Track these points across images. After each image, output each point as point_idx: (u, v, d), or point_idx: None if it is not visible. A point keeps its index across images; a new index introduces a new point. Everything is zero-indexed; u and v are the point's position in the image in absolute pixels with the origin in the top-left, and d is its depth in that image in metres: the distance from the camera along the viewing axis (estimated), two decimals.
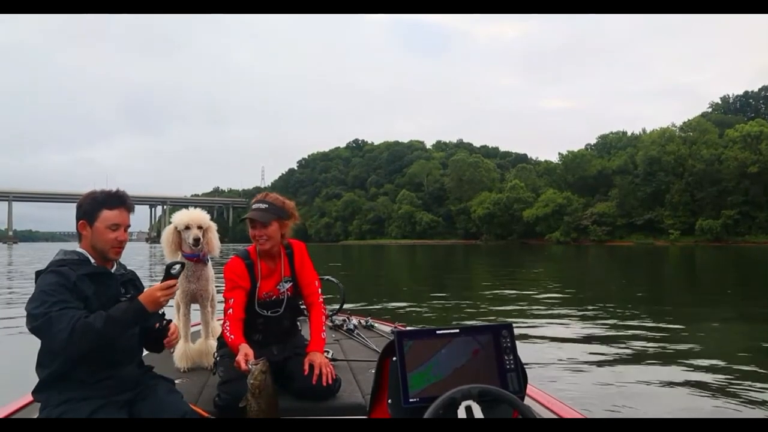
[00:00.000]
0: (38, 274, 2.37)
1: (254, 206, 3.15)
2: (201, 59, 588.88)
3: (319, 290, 3.39)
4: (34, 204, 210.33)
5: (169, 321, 2.61)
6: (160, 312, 2.52)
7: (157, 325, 2.57)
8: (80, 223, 2.46)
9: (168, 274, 2.44)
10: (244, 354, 2.73)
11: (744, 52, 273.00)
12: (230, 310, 3.02)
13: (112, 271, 2.53)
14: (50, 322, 2.17)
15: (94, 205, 2.46)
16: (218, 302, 3.82)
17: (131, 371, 2.47)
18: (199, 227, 3.69)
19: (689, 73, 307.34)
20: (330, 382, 2.99)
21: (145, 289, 2.51)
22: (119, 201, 2.50)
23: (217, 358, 3.16)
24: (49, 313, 2.18)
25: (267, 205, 3.13)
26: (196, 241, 3.66)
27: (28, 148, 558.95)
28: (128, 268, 2.69)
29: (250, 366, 2.57)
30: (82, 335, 2.18)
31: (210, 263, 3.86)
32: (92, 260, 2.45)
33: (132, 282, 2.62)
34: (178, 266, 2.47)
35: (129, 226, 2.56)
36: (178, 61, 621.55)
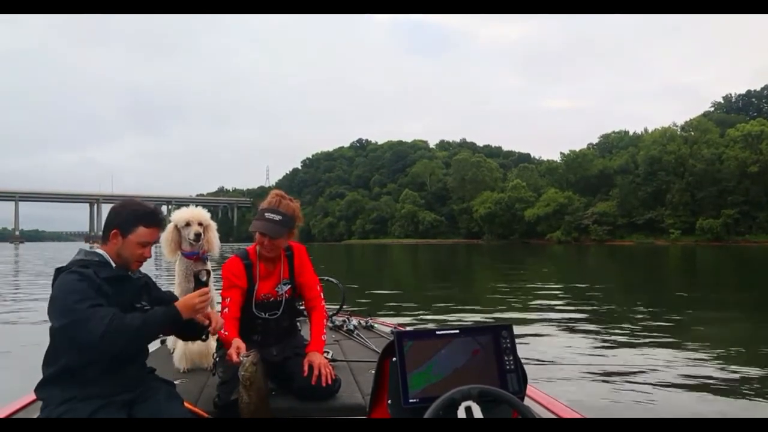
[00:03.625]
0: (58, 271, 2.36)
1: (267, 215, 3.00)
2: (205, 60, 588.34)
3: (321, 293, 3.36)
4: (40, 204, 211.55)
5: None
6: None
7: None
8: (113, 231, 2.45)
9: (199, 282, 2.60)
10: (236, 347, 2.73)
11: (745, 52, 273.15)
12: (226, 309, 3.01)
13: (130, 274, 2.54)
14: (83, 319, 2.17)
15: (132, 220, 2.46)
16: (218, 302, 3.81)
17: (133, 372, 2.47)
18: (200, 224, 3.69)
19: (691, 73, 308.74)
20: (329, 382, 2.98)
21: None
22: (156, 221, 2.52)
23: (217, 359, 3.15)
24: (81, 310, 2.18)
25: (280, 217, 3.00)
26: (197, 236, 3.64)
27: (34, 149, 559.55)
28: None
29: (241, 358, 2.59)
30: (118, 332, 2.19)
31: (209, 263, 3.84)
32: (113, 264, 2.45)
33: (147, 286, 2.62)
34: (204, 273, 2.63)
35: (157, 242, 2.59)
36: (182, 62, 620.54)
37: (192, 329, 2.59)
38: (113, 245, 2.46)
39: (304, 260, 3.29)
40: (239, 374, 2.55)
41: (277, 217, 2.99)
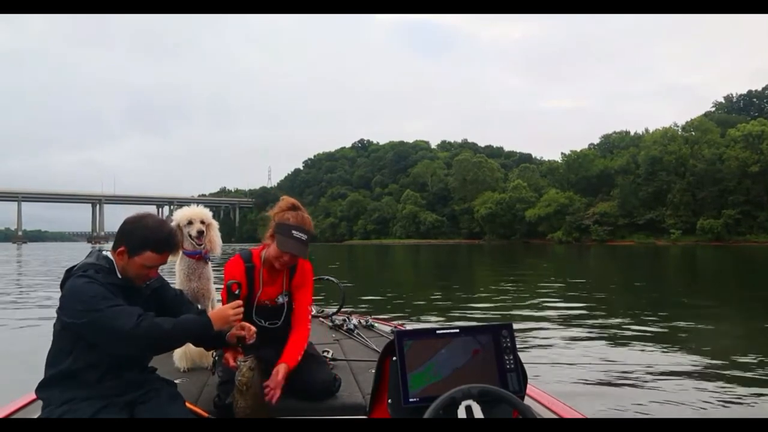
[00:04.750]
0: (68, 272, 2.35)
1: (295, 234, 2.91)
2: (206, 60, 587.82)
3: (310, 317, 3.21)
4: (43, 204, 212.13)
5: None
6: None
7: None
8: (120, 248, 2.39)
9: (232, 295, 2.57)
10: (233, 351, 2.69)
11: (746, 52, 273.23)
12: None
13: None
14: (109, 315, 2.17)
15: (141, 243, 2.38)
16: (218, 300, 3.79)
17: (136, 374, 2.46)
18: (202, 222, 3.69)
19: (692, 74, 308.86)
20: (273, 401, 2.76)
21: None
22: (167, 248, 2.47)
23: (216, 358, 3.14)
24: (106, 307, 2.18)
25: (306, 236, 2.93)
26: (200, 233, 3.64)
27: (36, 149, 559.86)
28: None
29: (238, 363, 2.57)
30: (148, 332, 2.19)
31: (210, 264, 3.84)
32: (119, 274, 2.41)
33: (156, 292, 2.59)
34: (237, 288, 2.62)
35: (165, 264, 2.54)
36: (184, 63, 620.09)
37: (214, 340, 2.56)
38: (119, 260, 2.41)
39: (306, 277, 3.19)
40: (236, 379, 2.53)
41: (304, 237, 2.93)
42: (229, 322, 2.45)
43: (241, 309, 2.50)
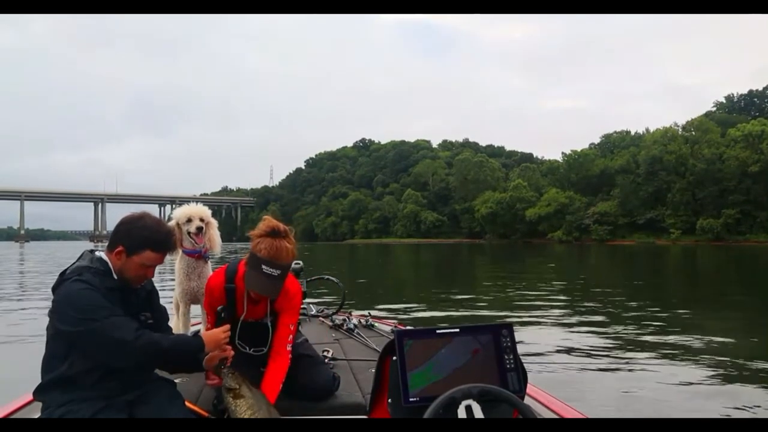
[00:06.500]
0: (62, 276, 2.33)
1: (265, 270, 2.58)
2: (210, 60, 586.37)
3: (291, 336, 2.89)
4: (46, 203, 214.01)
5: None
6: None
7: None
8: (119, 247, 2.37)
9: (221, 318, 2.71)
10: (212, 372, 2.68)
11: (747, 52, 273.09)
12: (208, 326, 2.89)
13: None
14: (107, 326, 2.17)
15: (141, 242, 2.37)
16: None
17: (135, 374, 2.44)
18: (201, 219, 3.69)
19: (693, 74, 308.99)
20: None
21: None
22: (167, 247, 2.46)
23: None
24: (102, 317, 2.18)
25: (279, 271, 2.61)
26: (199, 229, 3.64)
27: (40, 149, 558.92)
28: None
29: (223, 372, 2.57)
30: (146, 347, 2.21)
31: (210, 263, 3.83)
32: (114, 275, 2.38)
33: (149, 296, 2.59)
34: (224, 312, 2.75)
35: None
36: (187, 63, 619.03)
37: (198, 363, 2.57)
38: (116, 260, 2.39)
39: (291, 300, 2.92)
40: (226, 385, 2.51)
41: (276, 272, 2.60)
42: (220, 344, 2.51)
43: (228, 332, 2.54)
